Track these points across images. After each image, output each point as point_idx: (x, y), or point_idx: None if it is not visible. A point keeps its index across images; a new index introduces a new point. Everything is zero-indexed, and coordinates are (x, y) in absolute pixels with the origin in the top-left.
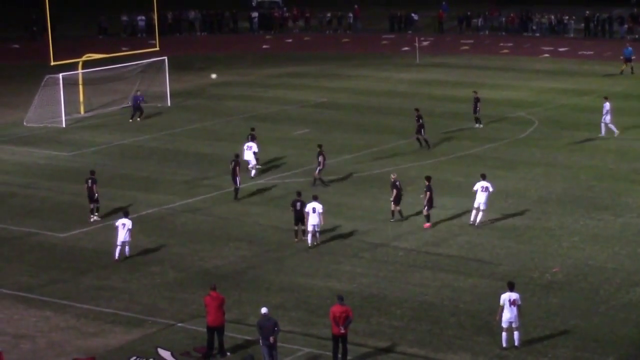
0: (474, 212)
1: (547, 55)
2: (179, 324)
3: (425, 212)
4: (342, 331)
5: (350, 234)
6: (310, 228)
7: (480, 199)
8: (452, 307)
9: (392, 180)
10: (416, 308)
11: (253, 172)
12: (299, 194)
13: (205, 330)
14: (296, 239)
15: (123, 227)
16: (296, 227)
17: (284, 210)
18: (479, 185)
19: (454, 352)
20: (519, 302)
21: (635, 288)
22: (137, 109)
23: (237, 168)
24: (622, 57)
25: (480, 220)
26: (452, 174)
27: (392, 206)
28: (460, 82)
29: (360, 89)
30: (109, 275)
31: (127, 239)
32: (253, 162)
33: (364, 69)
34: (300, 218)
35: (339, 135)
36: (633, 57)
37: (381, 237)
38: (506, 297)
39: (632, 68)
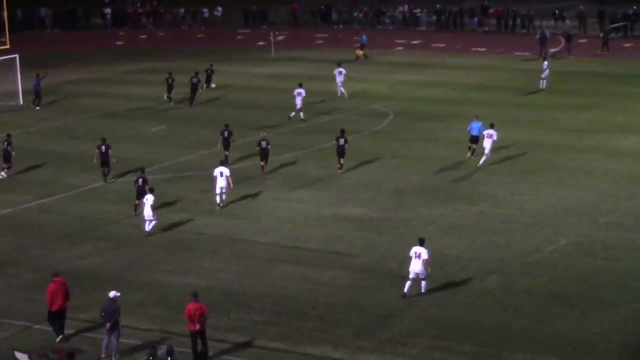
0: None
1: (400, 48)
2: (36, 326)
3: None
4: (197, 328)
5: (210, 230)
6: (217, 190)
7: (486, 144)
8: (311, 300)
9: (260, 138)
10: (276, 302)
11: (301, 114)
12: (142, 170)
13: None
14: (134, 213)
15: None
16: (137, 202)
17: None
18: (486, 133)
19: (314, 344)
20: (425, 257)
21: (491, 276)
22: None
23: (109, 151)
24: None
25: (480, 163)
26: (311, 167)
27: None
28: (316, 76)
29: (217, 83)
30: None
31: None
32: (300, 105)
33: (220, 64)
34: (141, 193)
35: (195, 130)
36: (365, 43)
37: (240, 232)
38: (413, 250)
39: (365, 55)
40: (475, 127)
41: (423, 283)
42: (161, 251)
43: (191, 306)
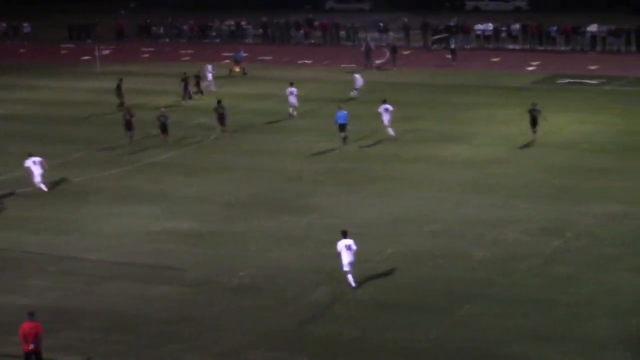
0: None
1: (227, 61)
2: None
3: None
4: (32, 348)
5: (35, 247)
6: (38, 179)
7: (385, 117)
8: (142, 316)
9: (159, 114)
10: (106, 319)
11: (295, 112)
12: None
13: None
14: None
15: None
16: None
17: None
18: (382, 108)
19: None
20: (354, 247)
21: (322, 287)
22: None
23: None
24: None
25: (394, 135)
26: (140, 182)
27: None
28: (143, 89)
29: (40, 99)
30: None
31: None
32: (296, 104)
33: (44, 79)
34: None
35: (18, 147)
36: (242, 59)
37: (68, 249)
38: (342, 243)
39: (243, 69)
40: (341, 116)
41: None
42: None
43: (26, 325)
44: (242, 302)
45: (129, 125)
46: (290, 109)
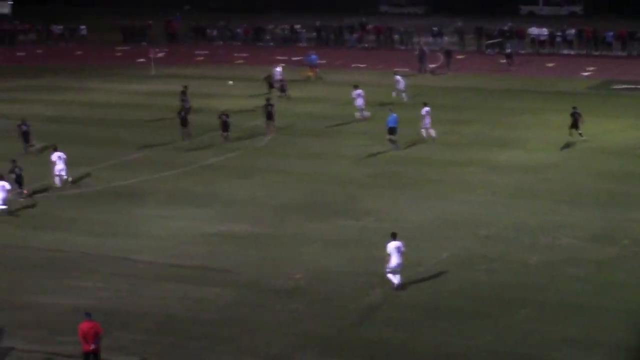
0: (422, 130)
1: (282, 64)
2: None
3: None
4: (93, 348)
5: (88, 249)
6: (57, 173)
7: (427, 120)
8: (195, 318)
9: (220, 112)
10: (159, 321)
11: (365, 113)
12: None
13: None
14: None
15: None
16: None
17: (24, 228)
18: (424, 111)
19: None
20: (403, 249)
21: (375, 289)
22: None
23: None
24: (307, 64)
25: (433, 136)
26: (193, 184)
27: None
28: (197, 93)
29: (95, 101)
30: None
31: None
32: (363, 105)
33: (99, 81)
34: None
35: (74, 148)
36: (317, 63)
37: (121, 250)
38: (393, 245)
39: (309, 75)
40: (392, 119)
41: (399, 276)
42: (40, 271)
43: (85, 325)
44: (294, 304)
45: (184, 122)
46: (364, 112)
